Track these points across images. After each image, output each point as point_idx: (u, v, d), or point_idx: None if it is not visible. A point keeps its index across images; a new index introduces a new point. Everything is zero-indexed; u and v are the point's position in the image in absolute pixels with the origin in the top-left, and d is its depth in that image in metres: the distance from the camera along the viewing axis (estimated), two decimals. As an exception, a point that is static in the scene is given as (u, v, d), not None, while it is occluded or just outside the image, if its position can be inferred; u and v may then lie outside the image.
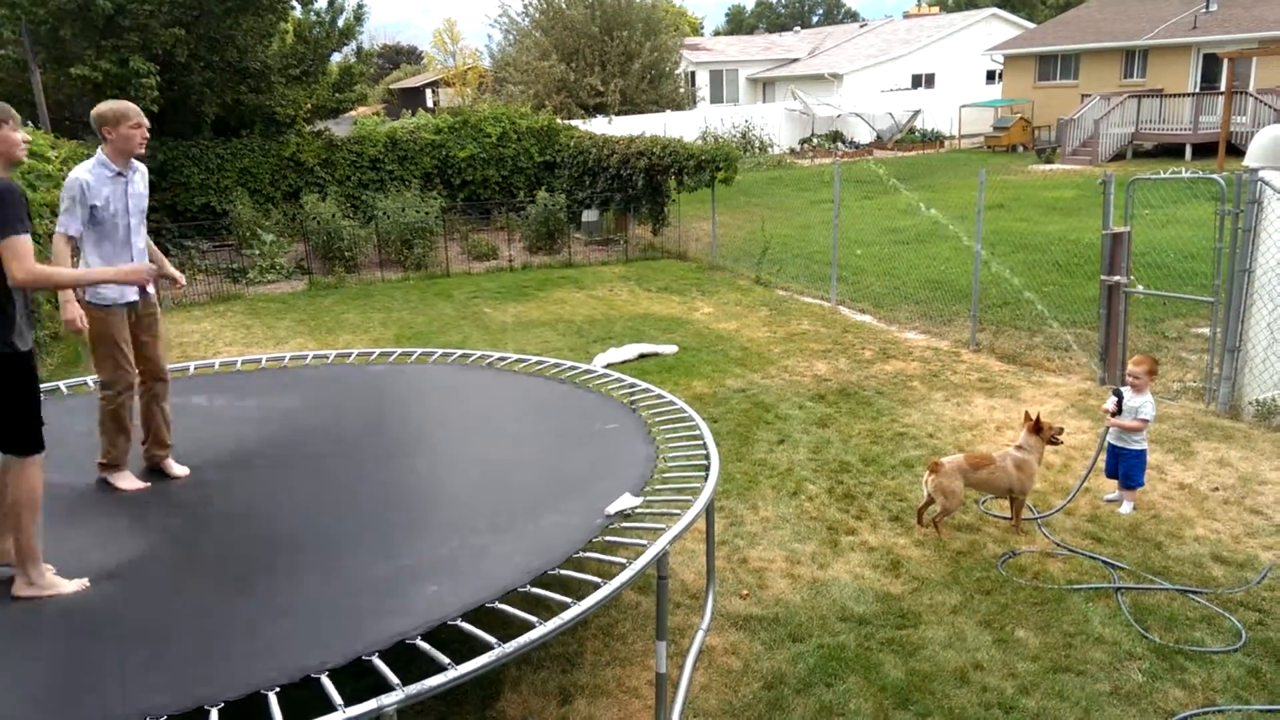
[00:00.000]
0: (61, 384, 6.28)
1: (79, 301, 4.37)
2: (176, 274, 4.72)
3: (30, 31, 13.93)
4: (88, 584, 3.51)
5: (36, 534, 3.46)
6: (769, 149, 30.78)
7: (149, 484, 4.56)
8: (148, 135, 4.51)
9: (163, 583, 3.57)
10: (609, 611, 4.48)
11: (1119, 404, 5.43)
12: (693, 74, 38.72)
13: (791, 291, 11.95)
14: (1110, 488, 5.64)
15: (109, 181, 4.38)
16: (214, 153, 16.05)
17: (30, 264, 3.29)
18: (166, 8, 14.07)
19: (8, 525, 3.48)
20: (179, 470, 4.67)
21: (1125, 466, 5.45)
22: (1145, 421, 5.39)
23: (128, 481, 4.54)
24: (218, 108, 15.73)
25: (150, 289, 4.60)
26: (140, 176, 4.58)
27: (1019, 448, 5.29)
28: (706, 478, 4.26)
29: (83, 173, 4.30)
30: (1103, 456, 5.58)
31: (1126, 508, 5.44)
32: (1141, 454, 5.45)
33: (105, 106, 4.42)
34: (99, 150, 4.39)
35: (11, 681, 2.84)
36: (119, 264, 4.38)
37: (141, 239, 4.59)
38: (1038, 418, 5.33)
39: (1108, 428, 5.51)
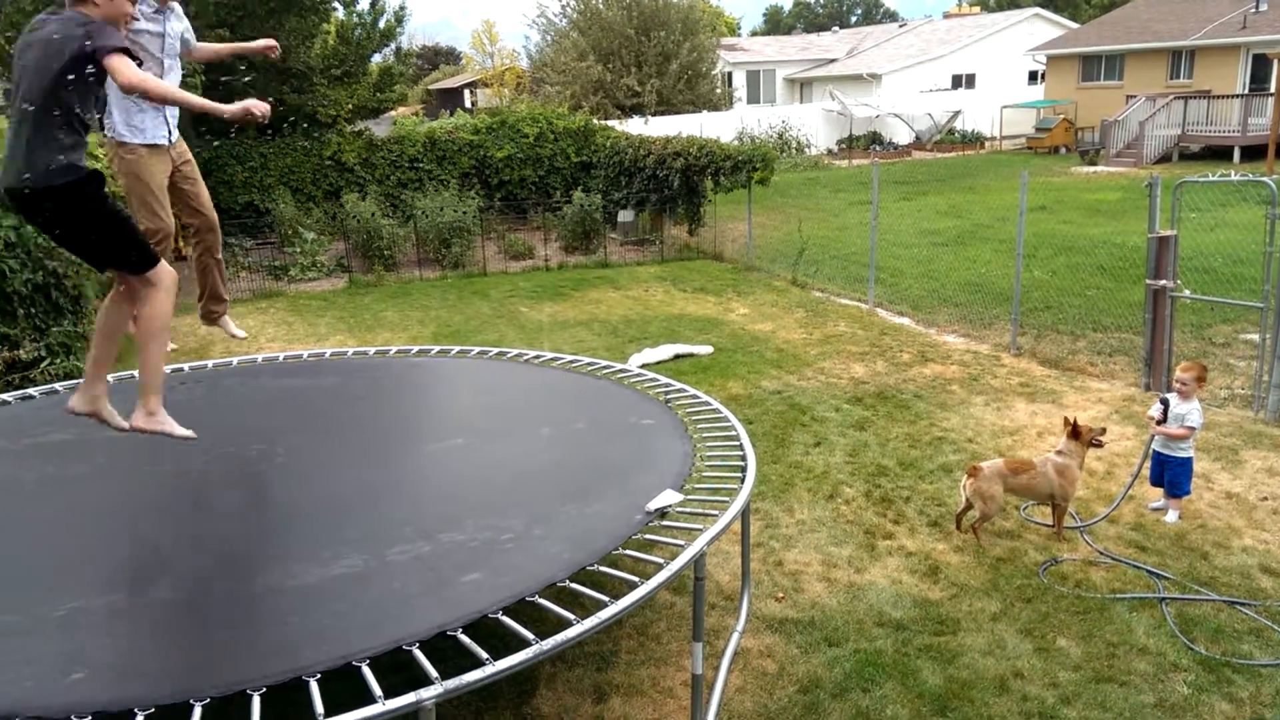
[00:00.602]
0: (110, 377, 6.39)
1: (111, 142, 4.29)
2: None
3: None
4: (194, 435, 3.66)
5: (161, 364, 3.60)
6: (806, 150, 30.61)
7: (174, 346, 4.43)
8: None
9: (203, 565, 3.63)
10: (643, 611, 4.48)
11: (1164, 411, 5.32)
12: (729, 74, 38.61)
13: (828, 293, 11.87)
14: (1155, 496, 5.54)
15: (149, 18, 4.28)
16: (257, 152, 16.29)
17: (133, 72, 3.33)
18: (211, 9, 14.31)
19: (103, 371, 3.53)
20: (237, 331, 4.62)
21: (1171, 474, 5.34)
22: (1192, 429, 5.28)
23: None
24: (261, 107, 15.96)
25: (175, 132, 4.53)
26: (176, 17, 4.46)
27: (1059, 453, 5.21)
28: (743, 479, 4.24)
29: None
30: (1147, 464, 5.48)
31: (1172, 516, 5.34)
32: (1187, 462, 5.34)
33: None
34: None
35: (52, 662, 2.90)
36: (156, 106, 4.28)
37: (175, 79, 4.48)
38: (1075, 422, 5.25)
39: (1153, 435, 5.41)
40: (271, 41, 4.69)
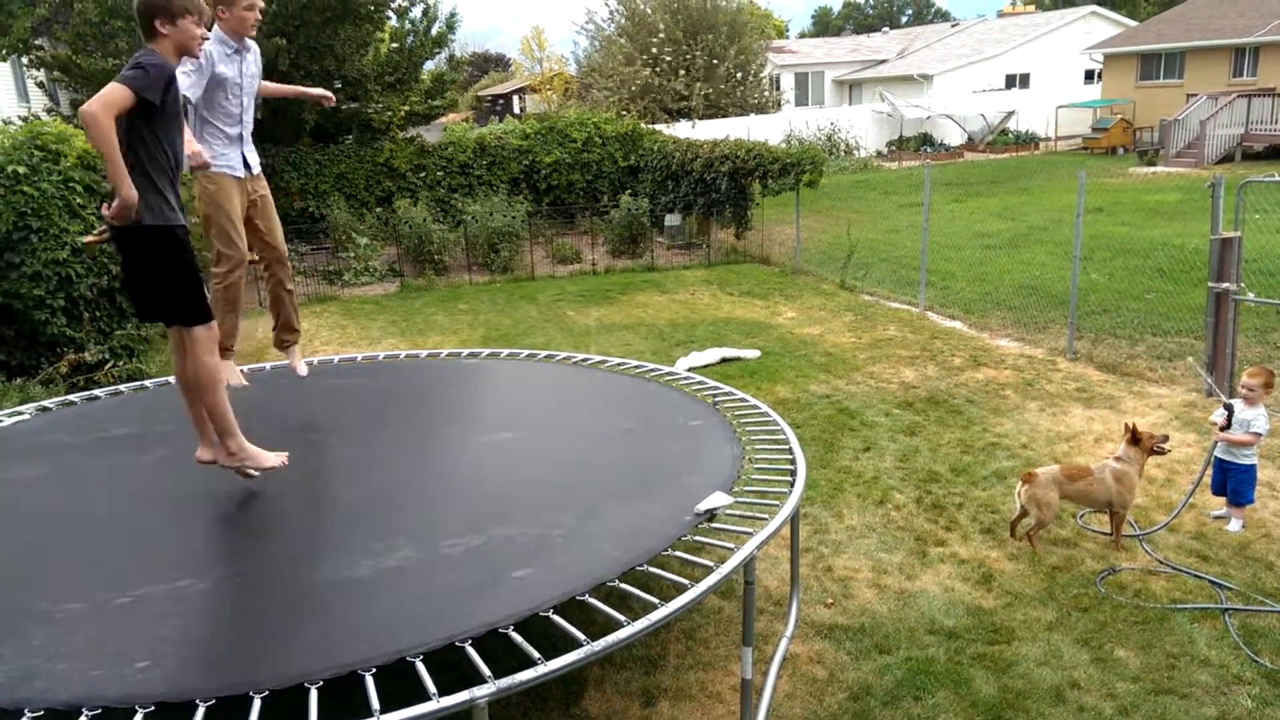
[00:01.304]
0: (171, 378, 6.57)
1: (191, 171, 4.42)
2: (323, 92, 4.82)
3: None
4: (284, 462, 3.90)
5: (226, 407, 3.75)
6: (855, 152, 30.34)
7: (249, 384, 4.71)
8: (259, 16, 4.54)
9: (260, 557, 3.71)
10: (691, 615, 4.47)
11: (1229, 417, 5.18)
12: (778, 77, 38.42)
13: (877, 296, 11.75)
14: (1217, 504, 5.39)
15: (228, 59, 4.46)
16: (313, 159, 16.62)
17: (98, 104, 3.25)
18: (269, 19, 14.62)
19: (201, 416, 3.77)
20: (303, 368, 4.79)
21: (1234, 482, 5.19)
22: (1257, 435, 5.14)
23: (234, 376, 4.63)
24: (317, 115, 16.29)
25: (255, 166, 4.75)
26: (254, 57, 4.67)
27: (1118, 459, 5.09)
28: (793, 483, 4.21)
29: (206, 44, 4.30)
30: (1209, 471, 5.34)
31: (1235, 525, 5.19)
32: (1251, 470, 5.19)
33: None
34: (214, 27, 4.42)
35: (114, 652, 2.98)
36: (233, 135, 4.54)
37: (250, 117, 4.71)
38: (1135, 428, 5.13)
39: (1216, 441, 5.26)
40: (328, 93, 4.97)
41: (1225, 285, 7.19)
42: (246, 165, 4.74)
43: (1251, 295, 7.52)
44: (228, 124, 4.60)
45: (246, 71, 4.60)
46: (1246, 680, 3.88)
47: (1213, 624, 4.30)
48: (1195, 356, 4.75)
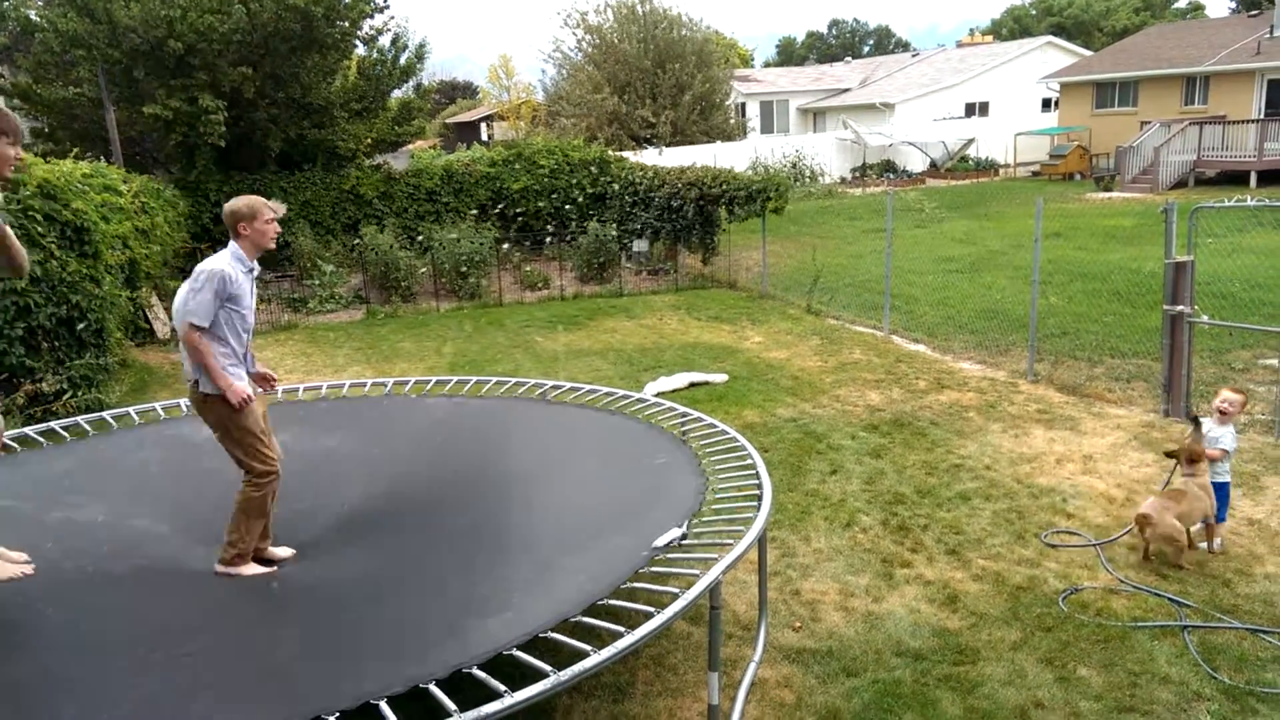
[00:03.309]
0: (132, 410, 6.48)
1: (202, 396, 4.22)
2: (269, 373, 4.58)
3: (105, 71, 14.56)
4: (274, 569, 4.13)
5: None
6: (820, 178, 30.73)
7: (275, 569, 4.36)
8: (279, 230, 4.40)
9: (218, 617, 3.65)
10: (660, 641, 4.46)
11: (1196, 431, 5.29)
12: (743, 105, 38.90)
13: (843, 320, 11.88)
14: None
15: (244, 276, 4.29)
16: (278, 186, 16.53)
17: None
18: (234, 47, 14.60)
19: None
20: (282, 553, 4.46)
21: None
22: (1225, 452, 5.26)
23: (252, 569, 4.31)
24: (282, 142, 16.23)
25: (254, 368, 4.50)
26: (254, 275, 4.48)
27: (1188, 476, 5.22)
28: (759, 508, 4.24)
29: (224, 264, 4.19)
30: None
31: (1215, 544, 5.26)
32: (1224, 487, 5.30)
33: (241, 203, 4.28)
34: (232, 244, 4.28)
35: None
36: (242, 353, 4.33)
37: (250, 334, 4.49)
38: (1183, 450, 5.29)
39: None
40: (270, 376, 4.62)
41: (1180, 308, 7.36)
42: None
43: (1205, 317, 7.70)
44: (240, 342, 4.33)
45: (254, 289, 4.39)
46: (1206, 696, 3.95)
47: (1173, 641, 4.37)
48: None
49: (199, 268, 4.19)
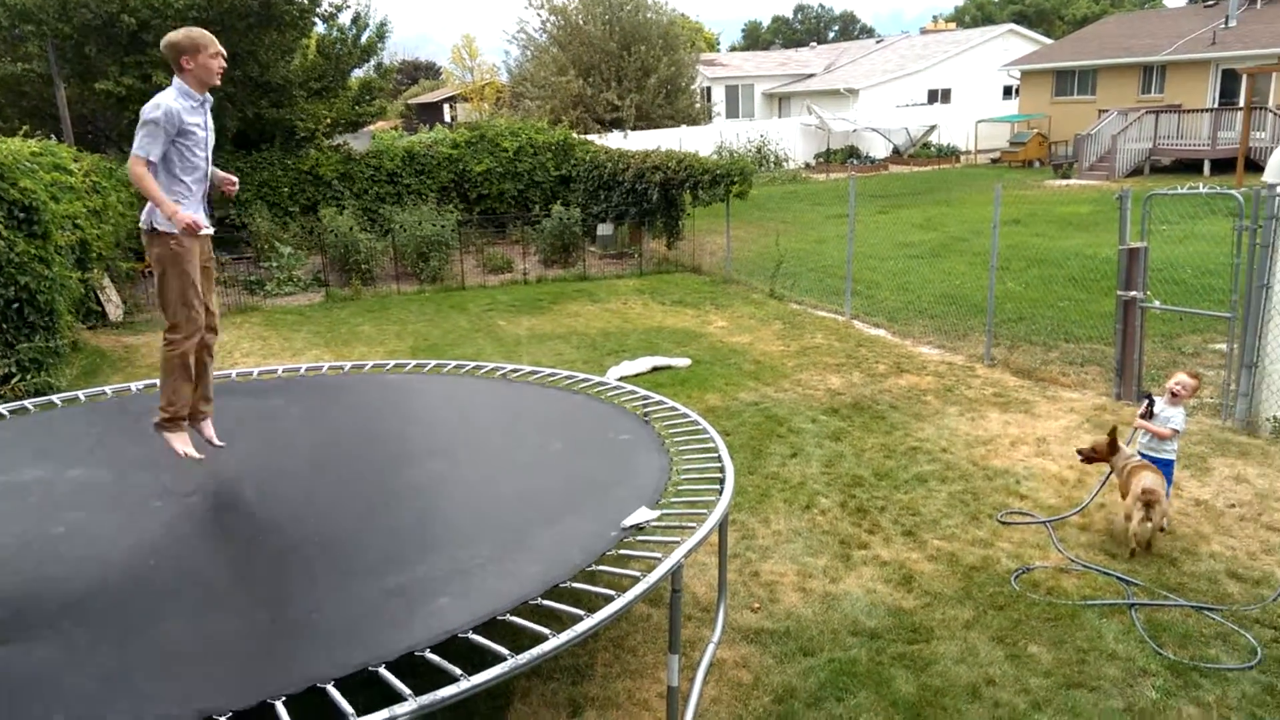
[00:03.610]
0: (80, 393, 6.36)
1: (150, 231, 4.31)
2: (229, 178, 4.66)
3: (55, 47, 14.17)
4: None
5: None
6: (784, 163, 30.83)
7: (203, 455, 4.58)
8: (224, 65, 4.40)
9: (170, 589, 3.60)
10: (620, 624, 4.48)
11: (1149, 408, 5.42)
12: (709, 89, 38.86)
13: (805, 305, 11.95)
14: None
15: (194, 110, 4.30)
16: (234, 166, 16.21)
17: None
18: (189, 23, 14.28)
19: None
20: (215, 438, 4.66)
21: None
22: (1175, 431, 5.38)
23: (183, 443, 4.49)
24: (239, 121, 15.92)
25: (209, 227, 4.57)
26: (210, 113, 4.51)
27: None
28: (721, 491, 4.26)
29: (169, 100, 4.20)
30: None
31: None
32: (1170, 465, 5.42)
33: (180, 35, 4.27)
34: (175, 81, 4.28)
35: (33, 691, 2.87)
36: (198, 191, 4.40)
37: (208, 173, 4.53)
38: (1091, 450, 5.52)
39: (1135, 430, 5.54)
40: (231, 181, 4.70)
41: (1133, 293, 7.50)
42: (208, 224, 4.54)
43: (1157, 303, 7.86)
44: (194, 179, 4.37)
45: (208, 124, 4.42)
46: (1151, 672, 4.05)
47: (1120, 619, 4.47)
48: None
49: (145, 106, 4.22)
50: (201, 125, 4.35)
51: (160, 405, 4.49)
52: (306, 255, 15.38)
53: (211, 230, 4.60)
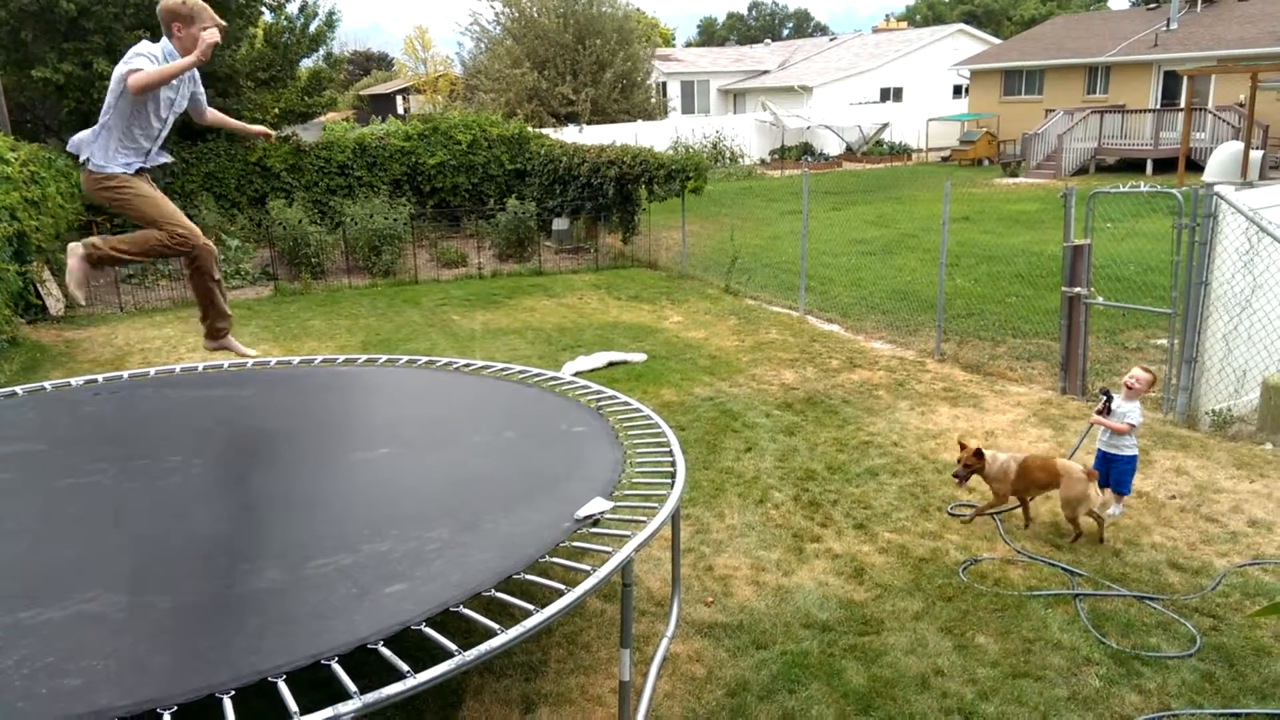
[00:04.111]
0: (18, 389, 6.16)
1: (92, 174, 4.38)
2: (263, 130, 5.12)
3: (-10, 32, 13.72)
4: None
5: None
6: (740, 160, 30.98)
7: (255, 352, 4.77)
8: (219, 40, 4.41)
9: (115, 580, 3.50)
10: (573, 619, 4.46)
11: (1107, 404, 5.52)
12: (664, 84, 38.89)
13: (760, 301, 12.02)
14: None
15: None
16: (179, 157, 15.86)
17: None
18: (131, 10, 13.91)
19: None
20: (247, 350, 5.09)
21: (1116, 473, 5.52)
22: (1131, 426, 5.49)
23: (76, 268, 4.60)
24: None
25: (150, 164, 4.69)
26: (192, 81, 4.56)
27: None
28: (673, 485, 4.26)
29: (158, 49, 4.26)
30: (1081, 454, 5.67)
31: (1115, 510, 5.50)
32: (1133, 460, 5.52)
33: (177, 2, 4.30)
34: (164, 40, 4.31)
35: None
36: (142, 151, 4.47)
37: (164, 137, 4.66)
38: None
39: (1090, 425, 5.69)
40: (268, 130, 5.21)
41: (1077, 290, 7.65)
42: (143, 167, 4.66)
43: (1100, 299, 8.03)
44: (144, 139, 4.49)
45: (182, 93, 4.41)
46: (1095, 661, 4.13)
47: (1065, 609, 4.56)
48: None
49: (137, 46, 4.29)
50: (174, 94, 4.39)
51: (102, 241, 4.61)
52: (254, 248, 15.09)
53: (146, 165, 4.68)
